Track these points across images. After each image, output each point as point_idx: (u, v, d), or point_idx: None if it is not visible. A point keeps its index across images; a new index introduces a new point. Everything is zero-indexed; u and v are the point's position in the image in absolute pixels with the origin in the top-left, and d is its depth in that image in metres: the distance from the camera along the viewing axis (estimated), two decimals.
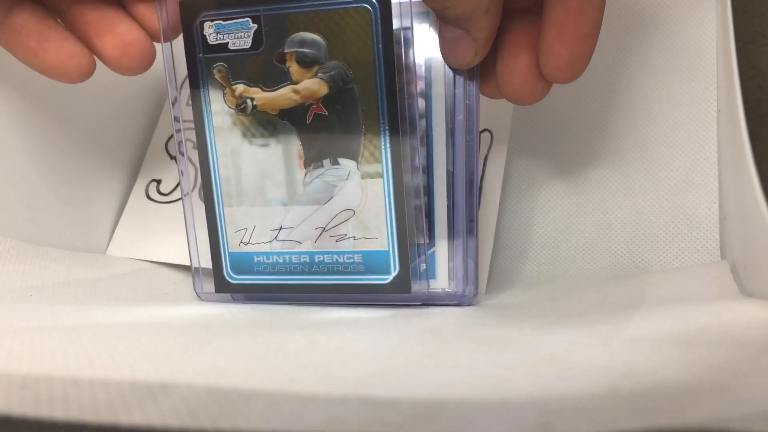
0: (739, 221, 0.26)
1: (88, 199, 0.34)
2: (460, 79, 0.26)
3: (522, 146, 0.35)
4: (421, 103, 0.27)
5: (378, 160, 0.26)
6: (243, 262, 0.28)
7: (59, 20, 0.26)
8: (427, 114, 0.27)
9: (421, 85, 0.27)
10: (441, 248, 0.27)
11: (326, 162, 0.27)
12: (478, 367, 0.17)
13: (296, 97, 0.26)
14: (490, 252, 0.32)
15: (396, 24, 0.25)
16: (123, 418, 0.14)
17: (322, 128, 0.27)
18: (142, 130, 0.38)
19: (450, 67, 0.26)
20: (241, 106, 0.27)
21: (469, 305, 0.27)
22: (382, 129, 0.26)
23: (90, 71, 0.26)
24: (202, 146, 0.28)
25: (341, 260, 0.27)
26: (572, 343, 0.19)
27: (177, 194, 0.35)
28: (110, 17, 0.25)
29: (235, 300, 0.29)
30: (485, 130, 0.32)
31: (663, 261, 0.31)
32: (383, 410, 0.14)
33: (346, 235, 0.27)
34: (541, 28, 0.23)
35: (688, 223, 0.31)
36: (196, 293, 0.29)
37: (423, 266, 0.27)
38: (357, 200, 0.27)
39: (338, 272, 0.28)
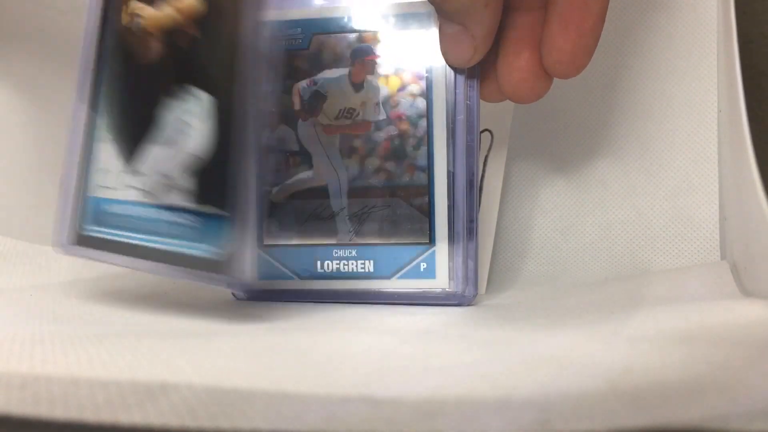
0: (740, 222, 0.26)
1: None
2: (460, 80, 0.26)
3: (522, 146, 0.35)
4: (422, 103, 0.27)
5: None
6: (98, 211, 0.25)
7: None
8: (428, 114, 0.27)
9: (422, 86, 0.27)
10: (441, 248, 0.27)
11: (183, 92, 0.24)
12: (478, 366, 0.17)
13: (177, 16, 0.24)
14: (490, 252, 0.32)
15: None
16: (123, 418, 0.14)
17: (192, 54, 0.24)
18: None
19: (450, 67, 0.26)
20: (131, 24, 0.25)
21: (469, 305, 0.27)
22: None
23: None
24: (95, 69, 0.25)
25: (177, 221, 0.23)
26: (572, 342, 0.19)
27: None
28: None
29: (237, 299, 0.29)
30: (485, 130, 0.32)
31: (663, 261, 0.31)
32: (383, 410, 0.14)
33: (189, 189, 0.23)
34: (545, 21, 0.23)
35: (688, 224, 0.31)
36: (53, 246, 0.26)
37: (424, 265, 0.27)
38: (205, 145, 0.23)
39: (171, 236, 0.23)
